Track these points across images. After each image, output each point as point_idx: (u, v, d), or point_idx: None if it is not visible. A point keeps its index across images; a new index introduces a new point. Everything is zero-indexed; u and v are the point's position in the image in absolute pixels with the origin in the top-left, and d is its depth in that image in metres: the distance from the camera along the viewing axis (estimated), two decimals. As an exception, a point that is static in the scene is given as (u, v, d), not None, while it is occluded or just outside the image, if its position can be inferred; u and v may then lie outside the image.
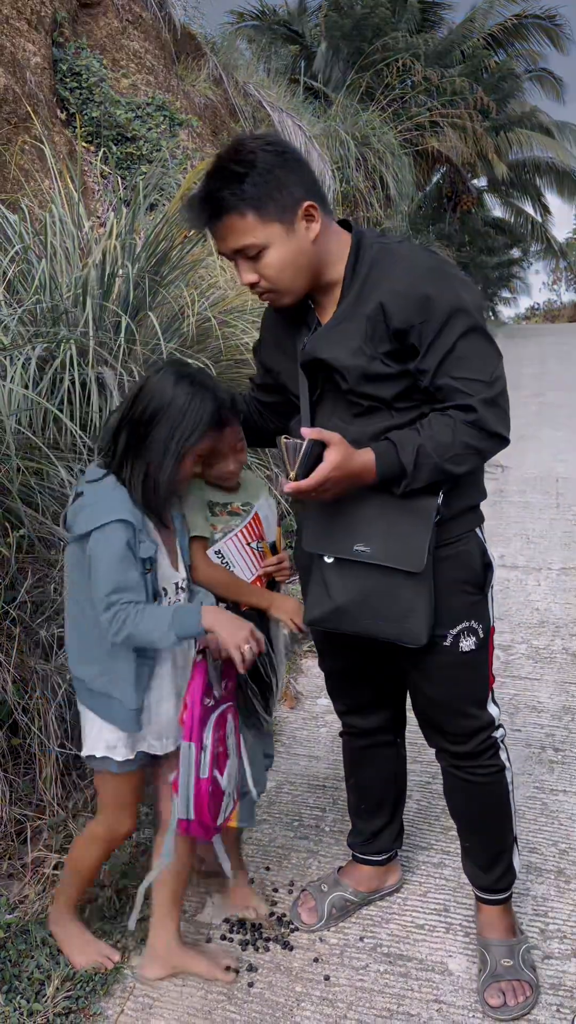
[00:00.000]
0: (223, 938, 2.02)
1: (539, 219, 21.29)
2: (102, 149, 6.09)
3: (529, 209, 21.24)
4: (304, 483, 1.52)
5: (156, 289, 3.60)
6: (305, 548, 1.76)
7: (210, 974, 1.89)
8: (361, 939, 2.01)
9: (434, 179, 16.70)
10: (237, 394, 1.92)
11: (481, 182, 19.24)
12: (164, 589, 1.76)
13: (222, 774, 1.74)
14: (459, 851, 2.25)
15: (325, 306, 1.69)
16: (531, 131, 17.28)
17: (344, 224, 1.70)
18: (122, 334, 3.17)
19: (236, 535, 1.89)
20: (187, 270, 4.08)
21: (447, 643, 1.73)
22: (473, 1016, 1.79)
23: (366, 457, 1.57)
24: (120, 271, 3.48)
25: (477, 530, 1.77)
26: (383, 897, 2.13)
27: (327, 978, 1.90)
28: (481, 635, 1.77)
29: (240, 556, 1.90)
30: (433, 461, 1.57)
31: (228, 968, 1.90)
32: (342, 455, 1.53)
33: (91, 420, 3.01)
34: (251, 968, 1.93)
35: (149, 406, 1.65)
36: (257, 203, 1.53)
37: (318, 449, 1.52)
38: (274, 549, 1.97)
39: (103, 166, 5.98)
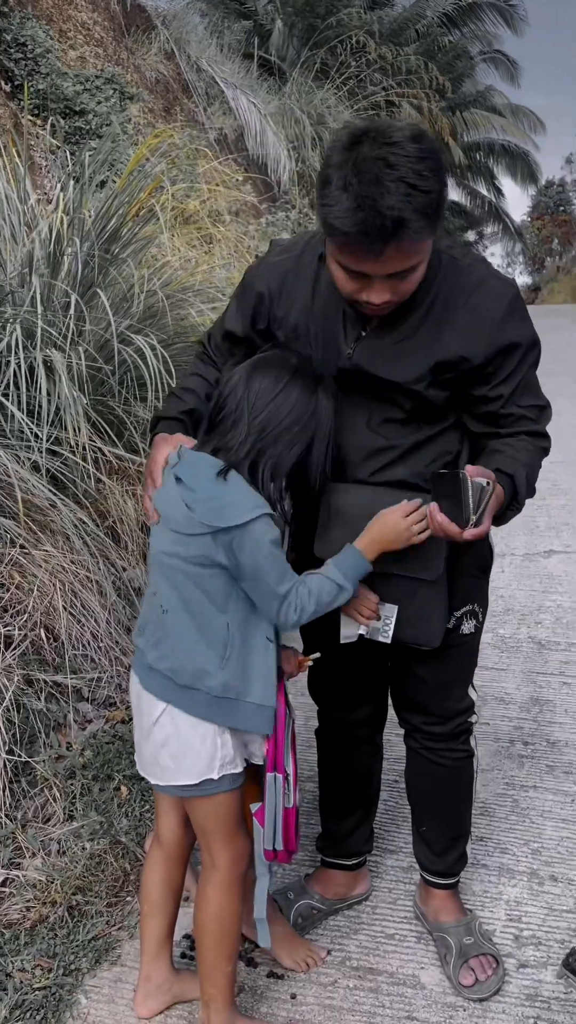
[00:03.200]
0: (183, 956, 1.91)
1: (493, 200, 21.35)
2: (49, 122, 5.85)
3: (483, 191, 21.30)
4: (482, 529, 1.39)
5: (106, 267, 3.44)
6: (318, 555, 1.62)
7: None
8: (329, 952, 1.91)
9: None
10: None
11: (437, 163, 19.19)
12: None
13: (295, 795, 1.64)
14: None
15: None
16: (487, 112, 17.27)
17: None
18: (71, 312, 3.01)
19: None
20: (139, 248, 3.91)
21: (450, 625, 1.73)
22: (448, 1033, 1.71)
23: (500, 490, 1.49)
24: (68, 248, 3.30)
25: None
26: (351, 906, 2.04)
27: (293, 997, 1.80)
28: (480, 618, 1.81)
29: None
30: (530, 488, 1.59)
31: None
32: (498, 494, 1.46)
33: (39, 405, 2.85)
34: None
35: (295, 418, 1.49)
36: (435, 222, 1.34)
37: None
38: None
39: (51, 140, 5.76)
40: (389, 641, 1.67)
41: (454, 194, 20.92)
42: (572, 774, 2.51)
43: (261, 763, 1.60)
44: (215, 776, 1.53)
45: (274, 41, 13.18)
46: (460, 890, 2.00)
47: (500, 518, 1.55)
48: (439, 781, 1.88)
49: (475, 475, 1.36)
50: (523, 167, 20.53)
